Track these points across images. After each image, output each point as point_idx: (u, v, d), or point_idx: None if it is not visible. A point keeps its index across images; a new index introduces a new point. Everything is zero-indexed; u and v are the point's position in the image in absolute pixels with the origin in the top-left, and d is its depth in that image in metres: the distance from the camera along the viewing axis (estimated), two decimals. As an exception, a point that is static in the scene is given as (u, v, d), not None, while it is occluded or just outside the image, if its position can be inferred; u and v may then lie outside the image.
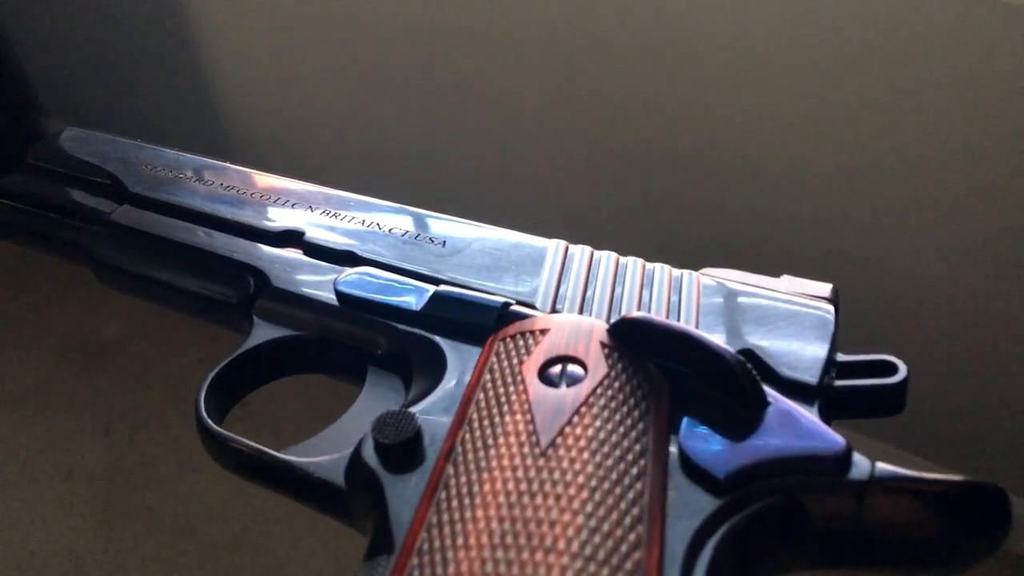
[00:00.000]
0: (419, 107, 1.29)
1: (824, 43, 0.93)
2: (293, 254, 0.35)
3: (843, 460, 0.23)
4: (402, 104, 1.31)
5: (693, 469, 0.23)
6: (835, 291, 0.31)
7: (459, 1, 1.14)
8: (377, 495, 0.24)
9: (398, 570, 0.22)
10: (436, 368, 0.29)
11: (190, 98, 1.56)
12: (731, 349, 0.25)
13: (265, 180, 0.39)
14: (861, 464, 0.23)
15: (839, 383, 0.28)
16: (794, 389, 0.26)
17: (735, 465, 0.23)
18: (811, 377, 0.27)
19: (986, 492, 0.22)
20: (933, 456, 1.19)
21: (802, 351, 0.28)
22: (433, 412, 0.26)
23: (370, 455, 0.25)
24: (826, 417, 0.27)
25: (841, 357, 0.29)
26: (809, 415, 0.25)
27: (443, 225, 0.35)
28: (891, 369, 0.28)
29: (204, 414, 0.30)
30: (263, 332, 0.33)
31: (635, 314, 0.27)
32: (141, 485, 1.39)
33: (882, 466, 0.23)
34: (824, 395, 0.27)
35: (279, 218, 0.36)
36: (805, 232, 1.08)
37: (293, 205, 0.37)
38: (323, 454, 0.28)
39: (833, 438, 0.24)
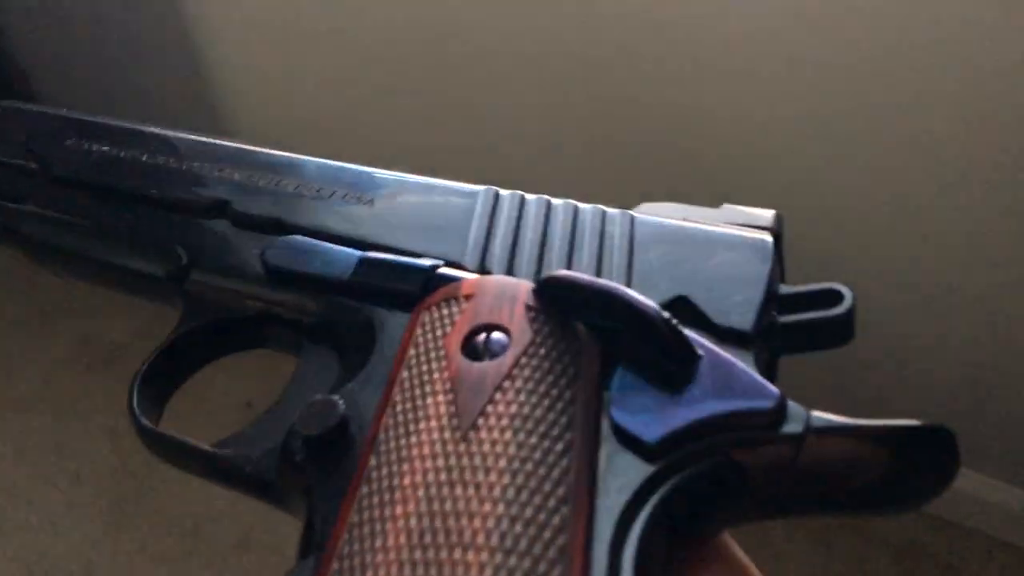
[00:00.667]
0: (416, 97, 1.29)
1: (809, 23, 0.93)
2: (220, 226, 0.33)
3: (778, 413, 0.22)
4: (399, 91, 1.31)
5: (624, 435, 0.22)
6: (778, 218, 0.29)
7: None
8: (306, 489, 0.24)
9: None
10: (366, 341, 0.27)
11: (187, 84, 1.55)
12: (655, 305, 0.24)
13: (191, 144, 0.37)
14: (796, 415, 0.22)
15: (784, 319, 0.26)
16: (729, 336, 0.25)
17: (666, 428, 0.22)
18: (745, 324, 0.25)
19: (927, 433, 0.22)
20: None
21: (736, 294, 0.26)
22: (362, 394, 0.25)
23: (296, 448, 0.24)
24: (768, 360, 0.26)
25: (785, 289, 0.27)
26: (743, 366, 0.23)
27: (370, 180, 0.33)
28: (837, 298, 0.26)
29: (135, 408, 0.29)
30: (194, 315, 0.32)
31: (557, 273, 0.25)
32: (148, 486, 1.39)
33: (818, 415, 0.22)
34: (760, 340, 0.25)
35: (205, 188, 0.34)
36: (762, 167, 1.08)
37: (220, 171, 0.35)
38: (257, 443, 0.27)
39: (767, 391, 0.22)
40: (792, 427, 0.22)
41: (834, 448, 0.22)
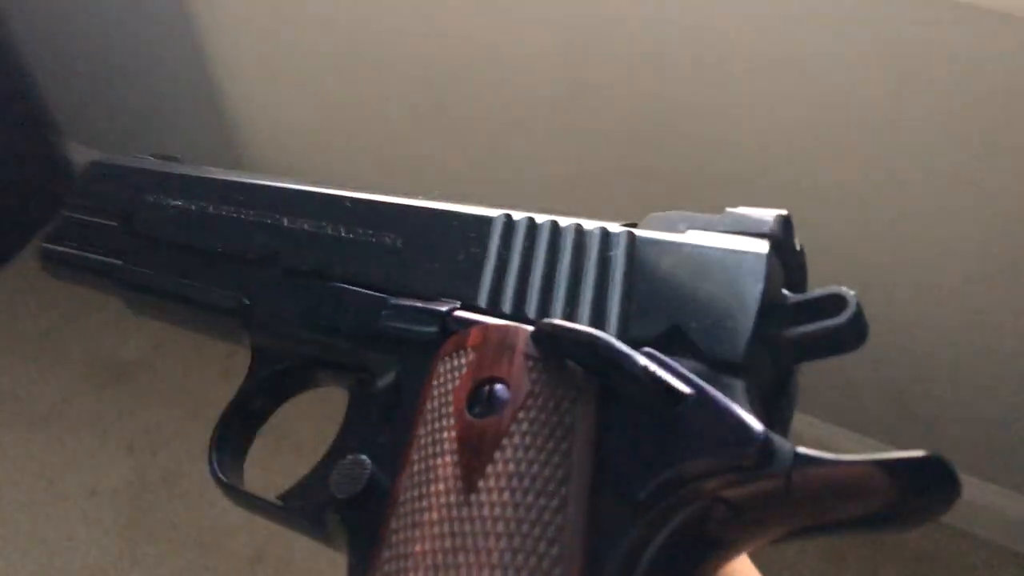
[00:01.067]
0: (426, 108, 1.30)
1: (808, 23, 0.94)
2: (272, 274, 0.36)
3: (762, 452, 0.22)
4: (408, 107, 1.32)
5: (616, 485, 0.23)
6: (781, 220, 0.29)
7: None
8: (346, 548, 0.26)
9: None
10: (396, 388, 0.29)
11: (203, 113, 1.58)
12: (633, 354, 0.24)
13: (247, 188, 0.39)
14: (782, 453, 0.22)
15: (791, 332, 0.26)
16: (720, 365, 0.25)
17: (653, 480, 0.22)
18: (734, 354, 0.25)
19: (917, 464, 0.21)
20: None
21: (727, 320, 0.26)
22: (392, 447, 0.27)
23: (332, 510, 0.26)
24: (783, 371, 0.26)
25: (792, 298, 0.27)
26: (728, 403, 0.23)
27: (396, 215, 0.34)
28: (841, 303, 0.26)
29: (215, 466, 0.33)
30: (263, 357, 0.35)
31: (547, 323, 0.26)
32: (164, 501, 1.41)
33: (803, 452, 0.22)
34: (754, 366, 0.26)
35: (260, 238, 0.37)
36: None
37: (271, 219, 0.37)
38: (313, 496, 0.30)
39: (752, 432, 0.22)
40: (777, 466, 0.22)
41: (824, 482, 0.22)
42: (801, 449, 0.22)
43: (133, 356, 1.62)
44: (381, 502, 0.25)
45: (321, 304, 0.33)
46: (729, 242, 0.28)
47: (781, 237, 0.28)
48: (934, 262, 1.05)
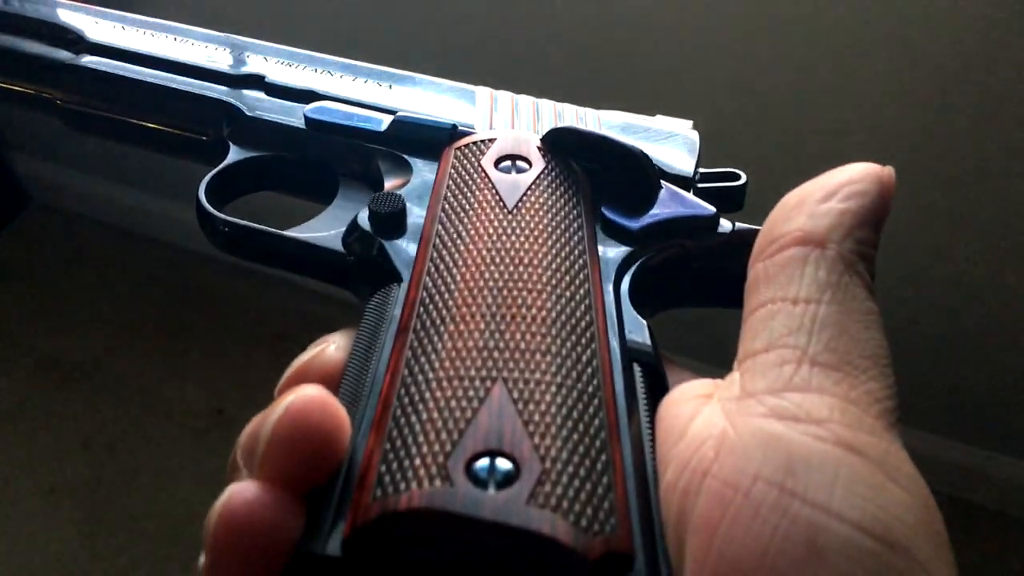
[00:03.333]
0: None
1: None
2: (256, 95, 0.39)
3: (715, 220, 0.33)
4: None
5: (613, 229, 0.32)
6: (695, 125, 0.39)
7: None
8: (377, 252, 0.31)
9: (412, 293, 0.28)
10: (404, 174, 0.35)
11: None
12: (637, 145, 0.34)
13: (209, 34, 0.42)
14: (726, 224, 0.33)
15: (700, 185, 0.36)
16: (677, 180, 0.35)
17: (643, 222, 0.32)
18: (688, 171, 0.36)
19: None
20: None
21: (680, 156, 0.37)
22: (409, 198, 0.32)
23: (366, 223, 0.32)
24: None
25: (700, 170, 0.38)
26: (688, 195, 0.34)
27: (385, 73, 0.41)
28: (736, 176, 0.37)
29: (206, 204, 0.35)
30: (241, 152, 0.38)
31: (563, 125, 0.35)
32: (122, 495, 1.44)
33: (742, 224, 0.33)
34: (696, 185, 0.36)
35: (238, 64, 0.40)
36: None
37: (246, 55, 0.41)
38: (321, 229, 0.34)
39: (707, 207, 0.33)
40: (724, 229, 0.33)
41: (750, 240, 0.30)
42: (740, 224, 0.33)
43: (85, 356, 1.64)
44: (409, 221, 0.32)
45: (321, 112, 0.37)
46: (672, 125, 0.39)
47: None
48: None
